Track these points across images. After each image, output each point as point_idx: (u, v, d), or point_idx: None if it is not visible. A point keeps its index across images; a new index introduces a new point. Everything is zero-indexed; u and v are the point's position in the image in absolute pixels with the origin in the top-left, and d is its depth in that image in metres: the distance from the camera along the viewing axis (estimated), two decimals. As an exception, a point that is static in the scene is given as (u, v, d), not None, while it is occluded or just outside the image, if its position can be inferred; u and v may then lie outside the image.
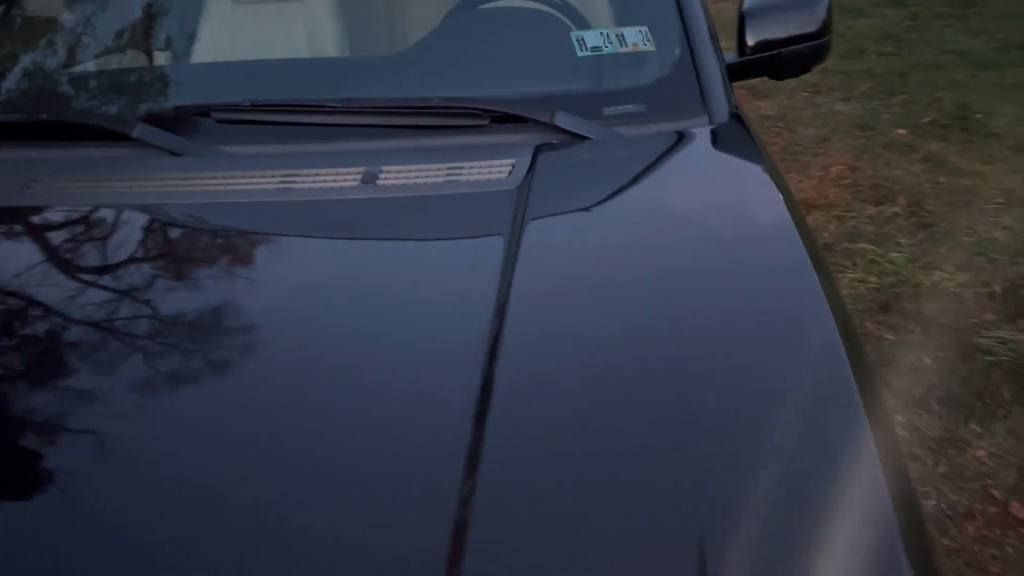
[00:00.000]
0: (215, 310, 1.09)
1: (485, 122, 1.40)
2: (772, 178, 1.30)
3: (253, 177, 1.31)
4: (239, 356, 1.03)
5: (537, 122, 1.39)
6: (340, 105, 1.42)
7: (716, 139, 1.42)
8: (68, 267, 1.26)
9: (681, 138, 1.41)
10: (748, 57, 1.68)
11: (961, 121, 4.33)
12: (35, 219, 1.31)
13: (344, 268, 1.15)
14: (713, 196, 1.24)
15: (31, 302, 1.18)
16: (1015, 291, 3.01)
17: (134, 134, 1.39)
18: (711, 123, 1.46)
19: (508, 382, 0.89)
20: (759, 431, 0.85)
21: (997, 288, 3.02)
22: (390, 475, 0.82)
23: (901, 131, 4.31)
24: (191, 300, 1.13)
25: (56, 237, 1.29)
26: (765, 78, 1.76)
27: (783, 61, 1.70)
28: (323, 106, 1.42)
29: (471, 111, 1.39)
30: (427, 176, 1.28)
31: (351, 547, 0.77)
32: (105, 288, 1.20)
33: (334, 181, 1.28)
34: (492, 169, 1.28)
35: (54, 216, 1.31)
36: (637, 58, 1.55)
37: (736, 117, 1.50)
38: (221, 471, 0.86)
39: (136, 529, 0.80)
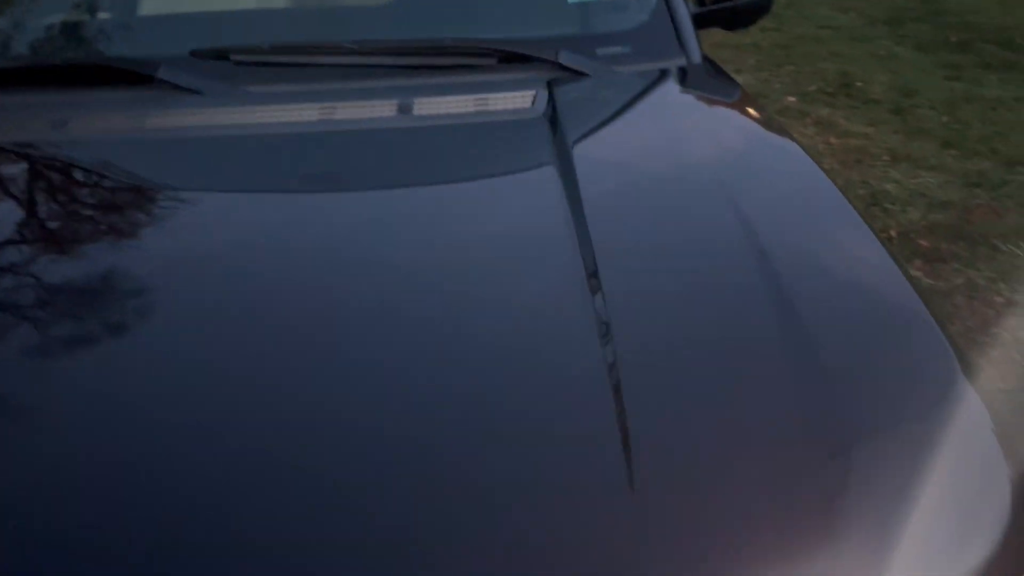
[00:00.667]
0: (292, 235, 1.12)
1: (493, 62, 1.51)
2: (755, 102, 1.47)
3: (291, 111, 1.39)
4: (338, 283, 1.00)
5: (541, 60, 1.52)
6: (357, 46, 1.51)
7: (700, 74, 1.59)
8: (116, 195, 1.30)
9: (670, 74, 1.58)
10: (708, 8, 1.85)
11: (844, 88, 4.68)
12: (77, 152, 1.35)
13: (413, 195, 1.22)
14: (719, 117, 1.42)
15: (76, 232, 1.22)
16: (908, 236, 3.33)
17: (158, 75, 1.44)
18: (688, 62, 1.63)
19: (618, 299, 0.94)
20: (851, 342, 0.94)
21: (893, 233, 3.33)
22: (543, 405, 0.83)
23: (791, 99, 4.62)
24: (256, 228, 1.16)
25: (102, 169, 1.34)
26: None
27: (737, 12, 1.89)
28: (341, 47, 1.51)
29: (482, 51, 1.51)
30: (458, 106, 1.39)
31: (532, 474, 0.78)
32: (160, 216, 1.26)
33: (373, 112, 1.37)
34: (516, 100, 1.40)
35: (97, 149, 1.35)
36: (619, 5, 1.70)
37: (706, 58, 1.68)
38: (342, 400, 0.86)
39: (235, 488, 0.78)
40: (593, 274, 0.98)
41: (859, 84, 4.72)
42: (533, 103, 1.39)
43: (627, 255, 1.02)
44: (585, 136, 1.32)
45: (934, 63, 5.06)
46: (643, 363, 0.88)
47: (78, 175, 1.36)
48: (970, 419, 0.87)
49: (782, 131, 1.34)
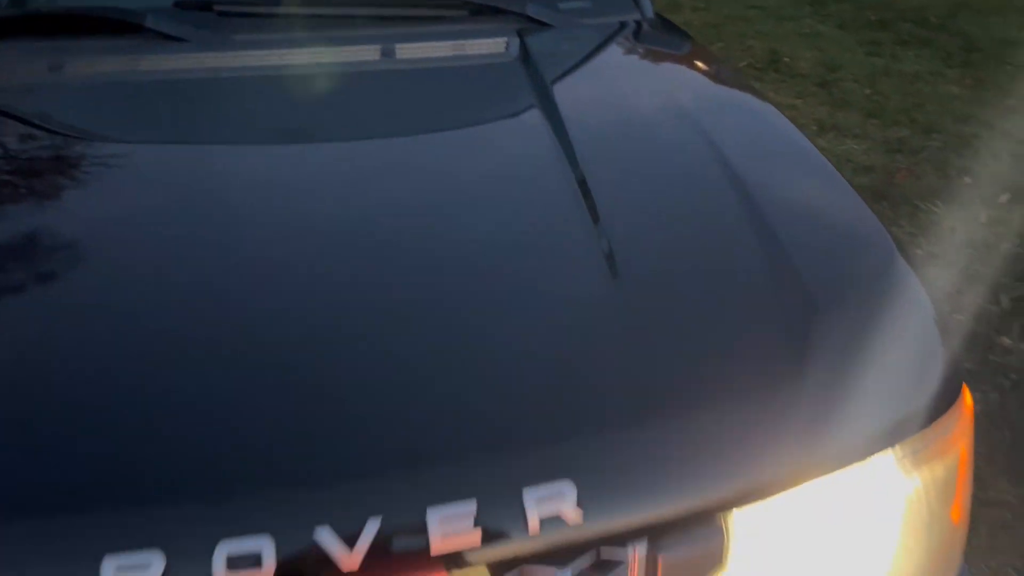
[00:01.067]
0: (287, 173, 1.18)
1: (465, 13, 1.62)
2: (707, 51, 1.61)
3: (276, 55, 1.47)
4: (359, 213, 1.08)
5: (509, 13, 1.63)
6: None
7: (655, 27, 1.72)
8: (106, 138, 1.34)
9: (628, 26, 1.70)
10: None
11: (773, 64, 4.90)
12: (66, 98, 1.40)
13: (406, 128, 1.30)
14: (678, 63, 1.55)
15: (77, 171, 1.28)
16: (836, 198, 3.54)
17: (145, 23, 1.50)
18: (643, 17, 1.76)
19: (605, 196, 1.08)
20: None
21: (822, 195, 3.54)
22: (547, 270, 0.97)
23: (723, 73, 4.82)
24: (249, 168, 1.21)
25: (92, 113, 1.38)
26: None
27: None
28: None
29: (455, 2, 1.62)
30: (437, 51, 1.49)
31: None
32: (148, 157, 1.28)
33: (356, 56, 1.47)
34: (491, 45, 1.51)
35: (86, 96, 1.40)
36: None
37: (657, 15, 1.81)
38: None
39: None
40: (582, 181, 1.10)
41: (786, 60, 4.94)
42: (507, 48, 1.51)
43: (611, 167, 1.16)
44: (560, 76, 1.44)
45: (856, 40, 5.31)
46: (631, 239, 1.02)
47: (68, 119, 1.40)
48: (911, 298, 1.03)
49: (734, 72, 1.49)
